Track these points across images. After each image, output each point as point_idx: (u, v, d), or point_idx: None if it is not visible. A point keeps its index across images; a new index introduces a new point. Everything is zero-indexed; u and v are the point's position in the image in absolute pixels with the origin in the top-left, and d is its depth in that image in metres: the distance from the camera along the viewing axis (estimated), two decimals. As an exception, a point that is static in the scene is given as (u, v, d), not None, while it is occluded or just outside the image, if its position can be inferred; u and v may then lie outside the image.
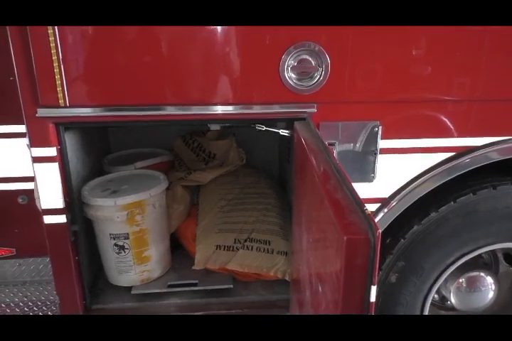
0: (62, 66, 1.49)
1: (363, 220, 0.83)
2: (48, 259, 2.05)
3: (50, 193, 1.66)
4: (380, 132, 1.68)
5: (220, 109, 1.61)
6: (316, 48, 1.54)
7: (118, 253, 1.92)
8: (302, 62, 1.55)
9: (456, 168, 1.74)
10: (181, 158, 2.55)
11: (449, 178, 1.74)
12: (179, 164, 2.50)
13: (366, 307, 0.79)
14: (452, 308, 2.03)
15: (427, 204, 1.79)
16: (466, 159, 1.74)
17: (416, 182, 1.75)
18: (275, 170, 2.76)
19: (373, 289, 0.79)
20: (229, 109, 1.61)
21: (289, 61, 1.55)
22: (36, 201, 1.74)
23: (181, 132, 2.66)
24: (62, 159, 1.65)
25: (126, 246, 1.91)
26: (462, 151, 1.73)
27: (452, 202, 1.77)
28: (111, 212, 1.83)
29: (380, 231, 0.77)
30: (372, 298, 0.80)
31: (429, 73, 1.63)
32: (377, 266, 0.78)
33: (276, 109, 1.62)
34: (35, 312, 1.99)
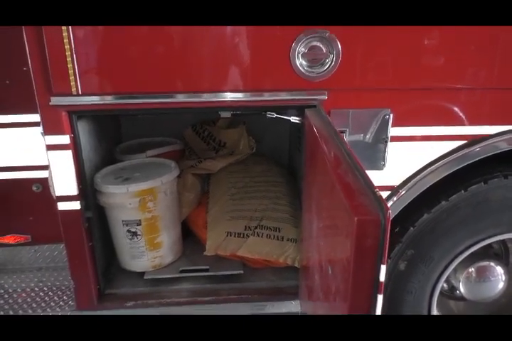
0: (74, 55, 1.51)
1: (373, 202, 0.84)
2: (62, 246, 2.11)
3: (64, 180, 1.69)
4: (391, 120, 1.67)
5: (230, 96, 1.61)
6: (327, 35, 1.53)
7: (131, 239, 1.96)
8: (313, 48, 1.55)
9: (467, 157, 1.73)
10: (192, 146, 2.57)
11: (460, 167, 1.73)
12: (190, 153, 2.52)
13: (376, 287, 0.81)
14: (461, 298, 2.03)
15: (437, 193, 1.79)
16: (477, 148, 1.73)
17: (426, 171, 1.74)
18: (285, 159, 2.76)
19: (383, 268, 0.80)
20: (239, 96, 1.62)
21: (300, 48, 1.55)
22: (50, 188, 1.77)
23: (192, 121, 2.67)
24: (75, 147, 1.68)
25: (138, 232, 1.94)
26: (473, 140, 1.72)
27: (463, 191, 1.76)
28: (123, 198, 1.86)
29: (391, 211, 0.78)
30: (382, 278, 0.81)
31: (441, 61, 1.62)
32: (387, 246, 0.80)
33: (286, 96, 1.62)
34: (51, 297, 2.03)
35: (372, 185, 0.89)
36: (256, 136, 2.52)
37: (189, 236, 2.21)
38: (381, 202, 0.81)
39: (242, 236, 2.02)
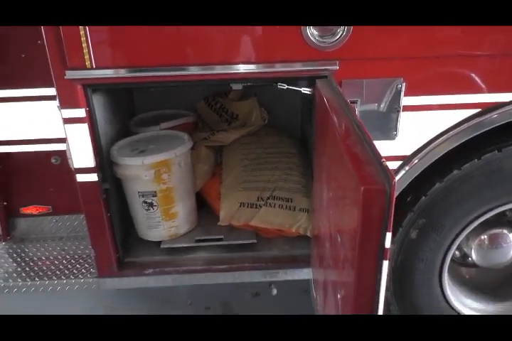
0: (87, 29, 1.52)
1: (379, 171, 0.86)
2: (82, 216, 2.17)
3: (82, 153, 1.74)
4: (403, 89, 1.66)
5: (242, 68, 1.61)
6: (339, 3, 1.50)
7: (147, 210, 2.02)
8: (324, 17, 1.53)
9: (481, 125, 1.72)
10: (204, 119, 2.58)
11: (474, 135, 1.72)
12: (202, 125, 2.54)
13: (381, 253, 0.84)
14: (473, 265, 2.07)
15: (449, 162, 1.79)
16: (491, 115, 1.71)
17: (439, 140, 1.74)
18: (297, 130, 2.76)
19: (388, 235, 0.83)
20: (251, 67, 1.61)
21: (311, 17, 1.52)
22: (69, 161, 1.82)
23: (204, 93, 2.67)
24: (91, 120, 1.71)
25: (154, 203, 2.00)
26: (489, 107, 1.70)
27: (476, 160, 1.76)
28: (139, 170, 1.91)
29: (396, 181, 0.80)
30: (387, 244, 0.84)
31: (453, 28, 1.58)
32: (393, 214, 0.82)
33: (298, 67, 1.61)
34: (74, 265, 2.11)
35: (379, 155, 0.91)
36: (268, 108, 2.52)
37: (203, 207, 2.27)
38: (387, 172, 0.83)
39: (254, 206, 2.06)
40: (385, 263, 0.86)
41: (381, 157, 0.89)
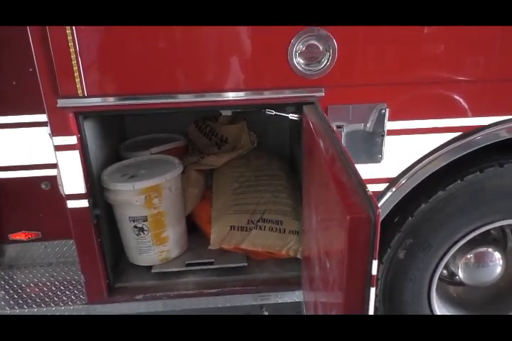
0: (79, 58, 1.56)
1: (364, 200, 0.90)
2: (72, 241, 2.17)
3: (73, 179, 1.75)
4: (387, 114, 1.72)
5: (231, 95, 1.66)
6: (323, 33, 1.57)
7: (138, 234, 2.02)
8: (310, 47, 1.59)
9: (463, 147, 1.78)
10: (195, 142, 2.62)
11: (457, 157, 1.78)
12: (193, 149, 2.57)
13: (368, 280, 0.87)
14: (460, 283, 2.10)
15: (434, 183, 1.84)
16: (473, 138, 1.77)
17: (424, 162, 1.79)
18: (286, 153, 2.81)
19: (374, 263, 0.86)
20: (240, 94, 1.67)
21: (297, 47, 1.59)
22: (60, 187, 1.83)
23: (194, 117, 2.72)
24: (82, 147, 1.74)
25: (145, 227, 2.00)
26: (470, 130, 1.77)
27: (459, 181, 1.81)
28: (130, 196, 1.92)
29: (380, 210, 0.84)
30: (374, 271, 0.87)
31: (434, 55, 1.65)
32: (379, 242, 0.85)
33: (285, 93, 1.67)
34: (63, 292, 2.09)
35: (364, 183, 0.95)
36: (257, 131, 2.57)
37: (194, 231, 2.27)
38: (371, 201, 0.87)
39: (245, 229, 2.08)
40: (372, 290, 0.89)
41: (365, 186, 0.93)
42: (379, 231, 0.84)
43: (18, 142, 2.19)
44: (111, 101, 1.65)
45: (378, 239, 0.84)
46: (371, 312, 0.94)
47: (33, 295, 2.08)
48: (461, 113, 1.75)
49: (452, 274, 2.15)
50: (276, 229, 2.07)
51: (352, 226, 0.84)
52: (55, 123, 1.67)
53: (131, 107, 1.67)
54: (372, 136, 1.76)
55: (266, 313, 2.08)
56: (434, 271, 1.94)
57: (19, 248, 2.34)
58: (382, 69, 1.67)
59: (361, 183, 0.95)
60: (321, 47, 1.59)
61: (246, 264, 2.06)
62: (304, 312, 1.88)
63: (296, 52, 1.59)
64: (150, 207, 1.97)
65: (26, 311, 1.98)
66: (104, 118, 2.04)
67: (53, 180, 2.15)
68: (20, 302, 2.03)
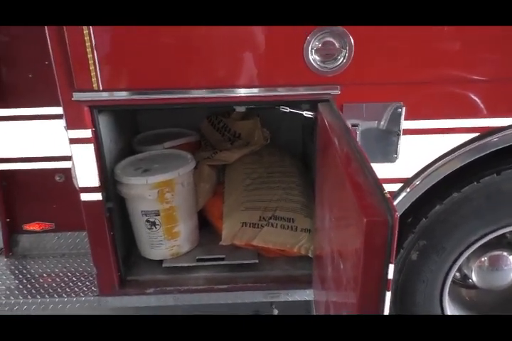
0: (95, 52, 1.56)
1: (382, 203, 0.88)
2: (84, 233, 2.19)
3: (87, 172, 1.76)
4: (403, 113, 1.69)
5: (245, 92, 1.65)
6: (339, 30, 1.55)
7: (149, 228, 2.03)
8: (326, 44, 1.57)
9: (480, 149, 1.74)
10: (207, 138, 2.61)
11: (473, 159, 1.75)
12: (205, 144, 2.57)
13: (384, 284, 0.86)
14: (473, 286, 2.07)
15: (449, 184, 1.81)
16: (491, 139, 1.74)
17: (439, 163, 1.76)
18: (299, 149, 2.79)
19: (391, 267, 0.85)
20: (254, 91, 1.65)
21: (313, 43, 1.57)
22: (74, 180, 1.84)
23: (208, 113, 2.71)
24: (96, 140, 1.74)
25: (157, 222, 2.01)
26: (487, 132, 1.74)
27: (475, 183, 1.78)
28: (143, 190, 1.93)
29: (398, 213, 0.82)
30: (390, 276, 0.86)
31: (453, 54, 1.62)
32: (396, 245, 0.84)
33: (300, 91, 1.65)
34: (75, 283, 2.11)
35: (381, 185, 0.93)
36: (270, 127, 2.55)
37: (205, 226, 2.28)
38: (389, 204, 0.85)
39: (256, 226, 2.08)
40: (388, 294, 0.88)
41: (383, 188, 0.92)
42: (396, 234, 0.83)
43: (33, 134, 2.21)
44: (125, 95, 1.65)
45: (395, 242, 0.83)
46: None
47: (46, 286, 2.10)
48: (478, 113, 1.72)
49: (465, 277, 2.12)
50: (288, 227, 2.06)
51: (368, 230, 0.83)
52: (70, 116, 1.68)
53: (145, 102, 1.67)
54: (388, 136, 1.73)
55: (276, 311, 2.08)
56: (448, 274, 1.92)
57: (32, 238, 2.36)
58: (399, 67, 1.64)
59: (378, 184, 0.93)
60: (337, 44, 1.57)
61: (257, 261, 2.05)
62: (314, 311, 1.87)
63: (312, 49, 1.57)
64: (162, 201, 1.98)
65: (39, 301, 2.00)
66: (117, 112, 2.05)
67: (67, 173, 2.18)
68: (34, 292, 2.06)
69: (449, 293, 1.99)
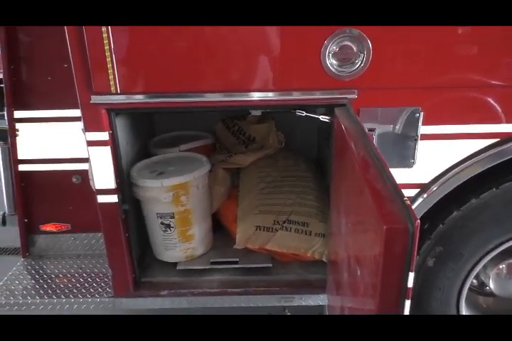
0: (113, 55, 1.57)
1: (402, 210, 0.87)
2: (100, 234, 2.21)
3: (103, 174, 1.78)
4: (421, 118, 1.68)
5: (261, 96, 1.65)
6: (357, 34, 1.54)
7: (164, 231, 2.04)
8: (343, 48, 1.56)
9: (499, 155, 1.72)
10: (222, 141, 2.62)
11: (493, 165, 1.73)
12: (220, 147, 2.58)
13: (404, 292, 0.84)
14: (491, 294, 2.04)
15: (467, 191, 1.78)
16: (511, 145, 1.71)
17: (457, 168, 1.74)
18: (314, 154, 2.79)
19: (411, 275, 0.84)
20: (270, 95, 1.65)
21: (331, 47, 1.56)
22: (90, 182, 1.86)
23: (223, 116, 2.72)
24: (113, 143, 1.76)
25: (171, 224, 2.02)
26: (507, 137, 1.71)
27: (494, 189, 1.76)
28: (158, 192, 1.94)
29: (419, 221, 0.81)
30: (410, 284, 0.85)
31: (471, 58, 1.60)
32: (416, 253, 0.83)
33: (316, 95, 1.64)
34: (90, 284, 2.13)
35: (401, 191, 0.92)
36: (285, 131, 2.55)
37: (219, 229, 2.28)
38: (409, 211, 0.84)
39: (270, 230, 2.07)
40: (407, 303, 0.86)
41: (403, 194, 0.91)
42: (417, 242, 0.82)
43: (51, 136, 2.24)
44: (142, 98, 1.66)
45: (416, 250, 0.82)
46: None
47: (62, 286, 2.12)
48: (498, 119, 1.69)
49: (482, 284, 2.09)
50: (302, 231, 2.05)
51: (389, 237, 0.82)
52: (88, 118, 1.69)
53: (161, 105, 1.68)
54: (405, 140, 1.72)
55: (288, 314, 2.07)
56: (465, 281, 1.89)
57: (49, 239, 2.39)
58: (417, 72, 1.62)
59: (398, 190, 0.92)
60: (355, 49, 1.56)
61: (271, 265, 2.05)
62: (328, 316, 1.86)
63: (329, 53, 1.57)
64: (177, 204, 1.99)
65: (55, 301, 2.02)
66: (134, 115, 2.07)
67: (84, 174, 2.20)
68: (50, 292, 2.08)
69: (465, 300, 1.96)
